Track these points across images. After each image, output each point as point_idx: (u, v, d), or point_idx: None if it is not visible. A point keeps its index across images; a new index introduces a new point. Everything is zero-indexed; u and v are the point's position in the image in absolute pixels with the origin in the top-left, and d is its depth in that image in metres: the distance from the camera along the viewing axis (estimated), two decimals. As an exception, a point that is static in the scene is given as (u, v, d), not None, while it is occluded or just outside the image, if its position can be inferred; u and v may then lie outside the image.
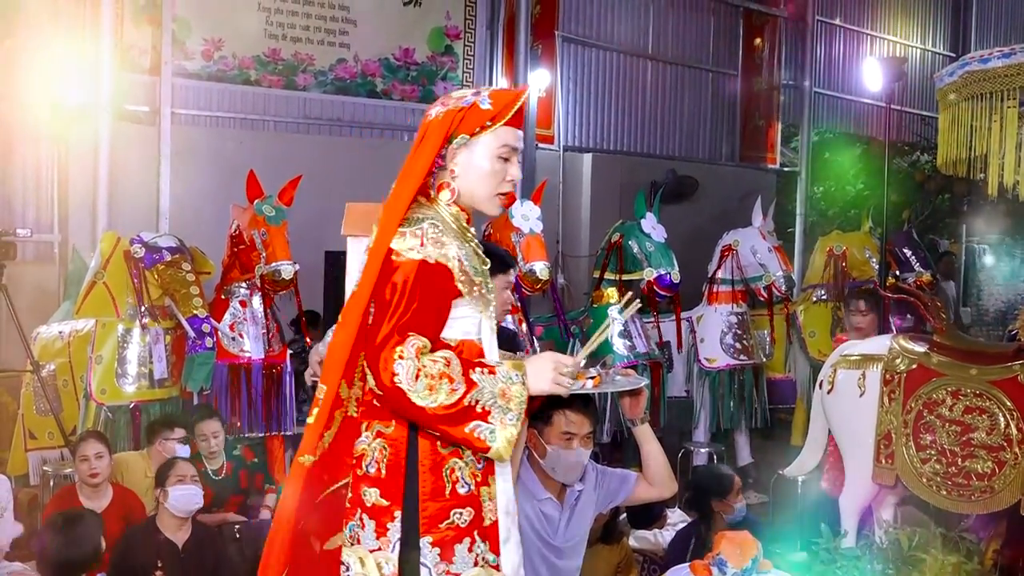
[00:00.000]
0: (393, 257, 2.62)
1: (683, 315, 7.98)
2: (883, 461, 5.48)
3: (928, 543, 4.92)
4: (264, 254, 6.36)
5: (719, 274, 8.38)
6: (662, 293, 7.29)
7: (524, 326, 6.72)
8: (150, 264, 6.28)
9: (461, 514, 2.69)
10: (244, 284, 6.55)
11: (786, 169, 13.32)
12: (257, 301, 6.56)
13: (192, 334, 6.22)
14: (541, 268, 6.64)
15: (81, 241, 7.78)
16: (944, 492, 5.22)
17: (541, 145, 10.72)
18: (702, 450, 7.80)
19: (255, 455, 6.27)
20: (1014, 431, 4.97)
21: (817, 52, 13.75)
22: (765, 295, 8.32)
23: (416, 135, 2.78)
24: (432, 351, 2.56)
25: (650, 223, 7.39)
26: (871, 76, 11.02)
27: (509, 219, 6.96)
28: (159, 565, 4.61)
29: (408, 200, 2.69)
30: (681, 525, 5.68)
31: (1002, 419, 5.02)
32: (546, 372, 2.63)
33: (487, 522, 2.74)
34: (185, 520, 4.80)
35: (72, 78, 7.98)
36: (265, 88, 9.36)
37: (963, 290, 14.53)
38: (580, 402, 3.50)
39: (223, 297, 6.60)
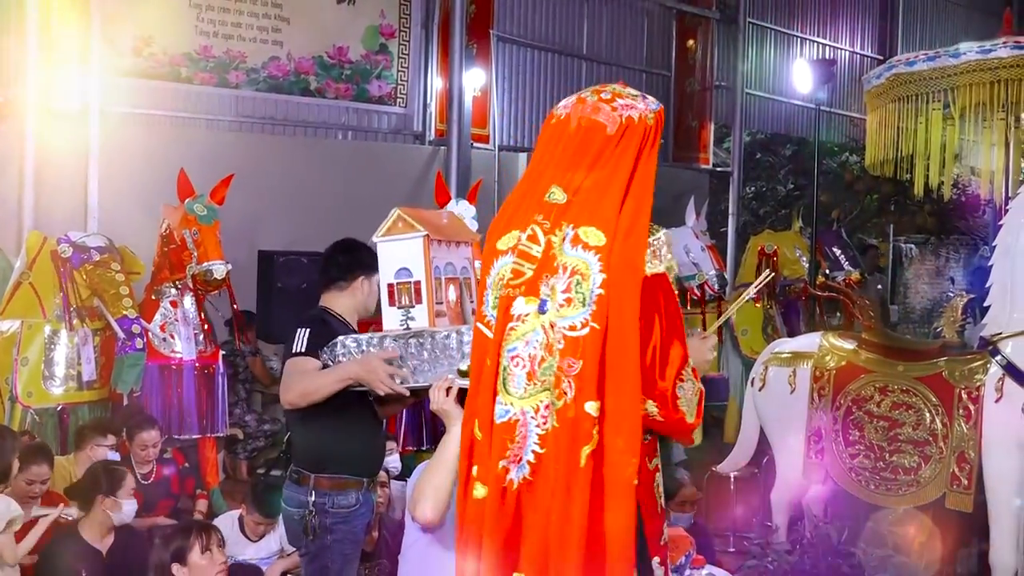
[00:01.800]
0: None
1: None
2: (813, 457, 5.57)
3: (857, 537, 5.02)
4: (196, 254, 6.28)
5: (653, 273, 8.45)
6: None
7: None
8: (78, 264, 6.16)
9: (666, 526, 2.73)
10: (175, 284, 6.45)
11: (719, 169, 13.46)
12: (189, 301, 6.48)
13: (122, 335, 6.11)
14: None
15: (6, 240, 7.59)
16: (872, 487, 5.33)
17: (476, 144, 10.71)
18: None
19: (186, 458, 6.18)
20: (939, 426, 5.09)
21: (749, 54, 13.91)
22: (698, 294, 8.41)
23: (609, 139, 2.64)
24: None
25: (585, 222, 7.43)
26: (801, 78, 11.20)
27: (444, 218, 6.93)
28: (83, 574, 4.52)
29: (650, 210, 2.65)
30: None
31: (927, 414, 5.14)
32: (703, 352, 2.86)
33: None
34: (110, 527, 4.73)
35: (-4, 74, 7.81)
36: (197, 85, 9.23)
37: (890, 288, 14.82)
38: None
39: (153, 297, 6.51)
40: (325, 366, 3.73)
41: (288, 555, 5.46)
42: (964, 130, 6.19)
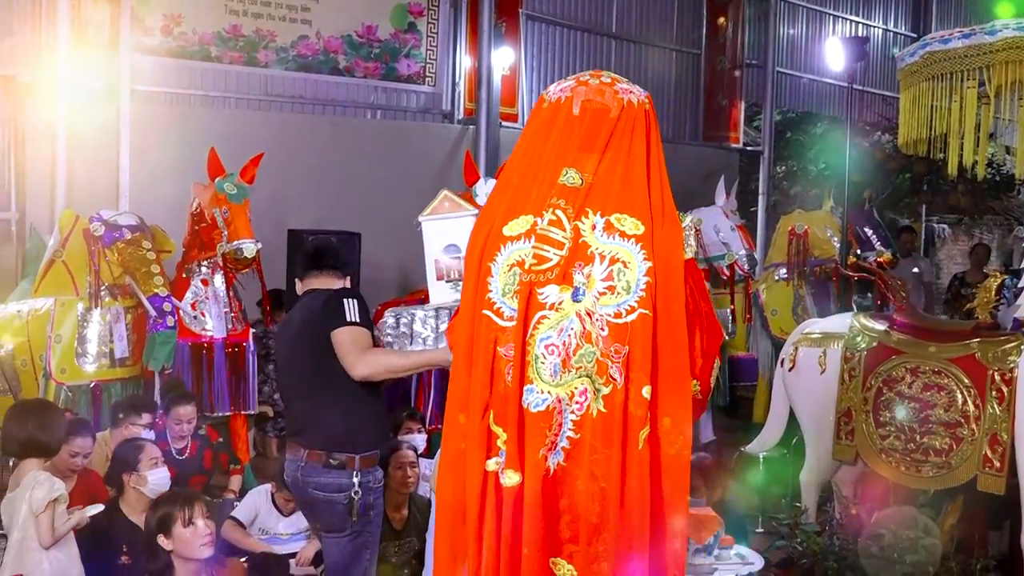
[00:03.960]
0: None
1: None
2: (843, 438, 5.55)
3: (887, 519, 4.99)
4: (226, 232, 6.30)
5: (682, 253, 8.41)
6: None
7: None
8: (110, 242, 6.21)
9: None
10: (205, 262, 6.49)
11: (749, 148, 13.37)
12: (219, 280, 6.51)
13: (153, 313, 6.15)
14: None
15: (39, 219, 7.67)
16: (903, 468, 5.30)
17: (505, 123, 10.69)
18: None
19: (219, 435, 6.24)
20: (971, 408, 5.04)
21: (780, 31, 13.78)
22: (728, 274, 8.37)
23: (613, 122, 2.68)
24: None
25: (614, 202, 7.40)
26: (833, 56, 11.08)
27: (473, 198, 6.93)
28: (124, 549, 4.57)
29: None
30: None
31: (959, 396, 5.09)
32: None
33: None
34: (148, 502, 4.76)
35: (28, 54, 7.85)
36: (226, 64, 9.25)
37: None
38: None
39: (184, 276, 6.54)
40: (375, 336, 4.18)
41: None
42: (999, 109, 6.10)
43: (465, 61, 10.65)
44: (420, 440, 5.81)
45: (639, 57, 12.62)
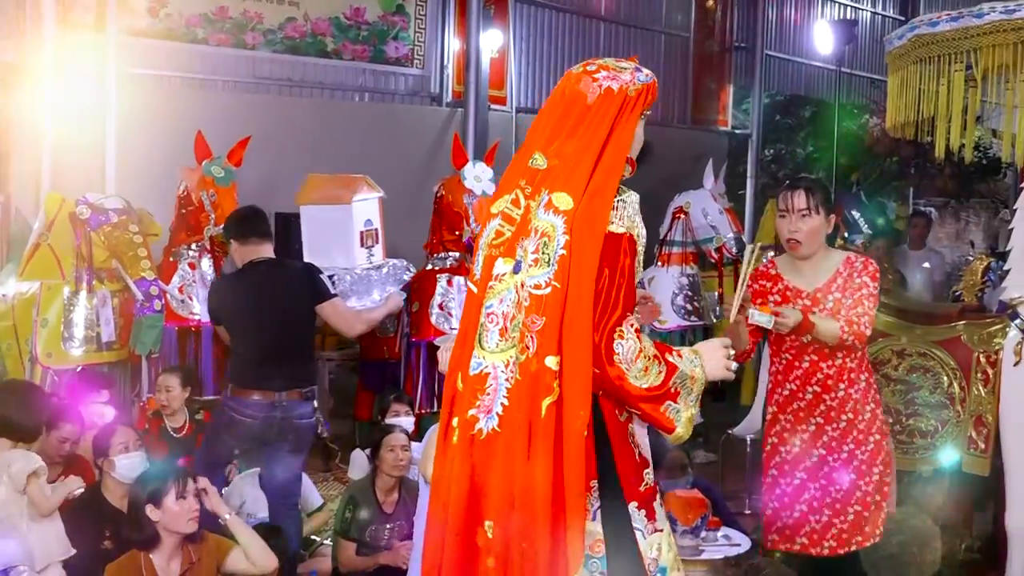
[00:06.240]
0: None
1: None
2: (830, 420, 5.55)
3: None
4: (213, 216, 6.30)
5: (670, 236, 8.42)
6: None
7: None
8: (96, 226, 6.17)
9: (649, 473, 2.80)
10: (193, 246, 6.48)
11: (737, 131, 13.38)
12: (206, 263, 6.50)
13: (140, 297, 6.13)
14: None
15: (24, 202, 7.62)
16: (889, 450, 5.31)
17: (493, 106, 10.67)
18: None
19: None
20: (957, 390, 5.07)
21: (769, 14, 13.78)
22: (716, 256, 8.38)
23: (587, 108, 2.72)
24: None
25: (602, 185, 7.39)
26: (822, 39, 11.11)
27: (461, 181, 6.93)
28: (107, 534, 4.55)
29: (620, 174, 2.73)
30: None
31: (945, 378, 5.12)
32: (719, 359, 2.78)
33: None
34: (126, 487, 4.73)
35: (13, 35, 7.80)
36: (213, 47, 9.21)
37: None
38: None
39: (171, 259, 6.53)
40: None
41: (310, 514, 5.56)
42: (986, 92, 6.10)
43: (453, 43, 10.63)
44: (408, 423, 5.82)
45: (628, 40, 12.60)
